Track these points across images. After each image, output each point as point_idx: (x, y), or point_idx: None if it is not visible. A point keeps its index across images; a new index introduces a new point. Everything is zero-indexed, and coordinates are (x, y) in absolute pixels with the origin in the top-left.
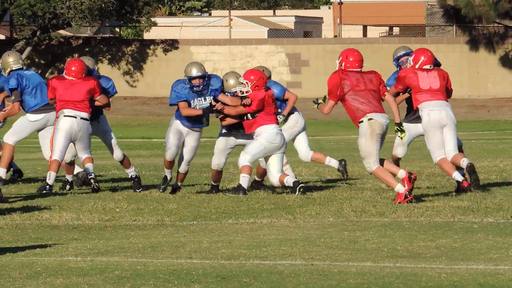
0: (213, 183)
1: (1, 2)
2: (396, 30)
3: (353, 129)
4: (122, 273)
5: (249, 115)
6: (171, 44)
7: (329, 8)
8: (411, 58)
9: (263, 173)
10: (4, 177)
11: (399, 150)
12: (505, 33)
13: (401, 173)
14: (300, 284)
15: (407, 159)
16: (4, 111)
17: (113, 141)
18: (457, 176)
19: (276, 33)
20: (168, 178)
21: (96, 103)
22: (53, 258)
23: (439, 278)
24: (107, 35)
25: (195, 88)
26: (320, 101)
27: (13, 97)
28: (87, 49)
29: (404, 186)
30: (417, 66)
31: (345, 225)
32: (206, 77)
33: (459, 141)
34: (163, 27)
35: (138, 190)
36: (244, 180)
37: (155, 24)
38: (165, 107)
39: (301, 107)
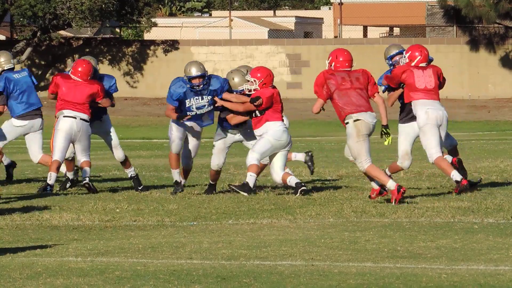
0: (210, 182)
1: (2, 3)
2: (396, 30)
3: None
4: (122, 274)
5: (257, 112)
6: (172, 45)
7: (330, 8)
8: (407, 55)
9: (260, 170)
10: None
11: (406, 163)
12: (505, 34)
13: (391, 184)
14: (300, 284)
15: None
16: None
17: (116, 142)
18: (456, 175)
19: (276, 34)
20: (178, 181)
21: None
22: (54, 259)
23: (440, 279)
24: (108, 36)
25: (195, 88)
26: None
27: None
28: (87, 49)
29: (392, 202)
30: (413, 64)
31: (346, 225)
32: (206, 77)
33: (454, 140)
34: (163, 27)
35: (139, 188)
36: (251, 178)
37: (155, 25)
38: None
39: (301, 107)
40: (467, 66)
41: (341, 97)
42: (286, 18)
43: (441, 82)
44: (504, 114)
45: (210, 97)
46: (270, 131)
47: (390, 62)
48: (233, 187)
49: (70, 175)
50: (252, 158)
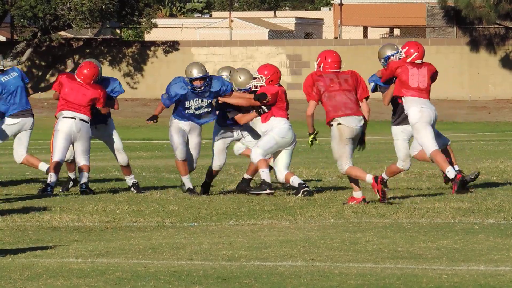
0: (206, 180)
1: (2, 4)
2: (396, 31)
3: None
4: (122, 275)
5: (264, 108)
6: (172, 46)
7: (330, 9)
8: (403, 50)
9: (255, 170)
10: None
11: (407, 165)
12: (505, 34)
13: (368, 178)
14: (301, 285)
15: None
16: None
17: (119, 146)
18: (451, 172)
19: (276, 35)
20: (191, 187)
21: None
22: (54, 260)
23: (440, 279)
24: (108, 37)
25: (196, 89)
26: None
27: None
28: (87, 50)
29: (375, 192)
30: (409, 60)
31: (346, 226)
32: (207, 78)
33: (447, 139)
34: (163, 28)
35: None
36: (264, 174)
37: (155, 26)
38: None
39: (301, 108)
40: (467, 66)
41: (329, 99)
42: (286, 19)
43: (434, 78)
44: (504, 115)
45: (210, 100)
46: (276, 129)
47: (385, 62)
48: (253, 193)
49: (71, 175)
50: (257, 155)
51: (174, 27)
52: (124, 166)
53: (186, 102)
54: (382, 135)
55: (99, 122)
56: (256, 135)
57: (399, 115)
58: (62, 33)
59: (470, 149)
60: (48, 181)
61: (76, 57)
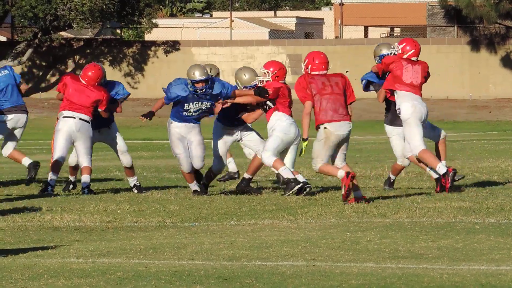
0: (205, 182)
1: (2, 4)
2: (397, 31)
3: (355, 130)
4: (124, 275)
5: (269, 103)
6: (172, 46)
7: (330, 9)
8: (400, 46)
9: (255, 170)
10: None
11: (407, 161)
12: (506, 34)
13: (340, 173)
14: (302, 285)
15: None
16: None
17: (123, 148)
18: (442, 168)
19: (277, 34)
20: (198, 189)
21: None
22: (55, 260)
23: (441, 279)
24: (108, 37)
25: (198, 92)
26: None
27: None
28: (88, 50)
29: (342, 187)
30: (404, 56)
31: (347, 226)
32: (209, 80)
33: (441, 130)
34: (164, 28)
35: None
36: (285, 172)
37: (156, 26)
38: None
39: (302, 108)
40: (468, 66)
41: (320, 102)
42: (286, 18)
43: (426, 78)
44: (505, 114)
45: (210, 103)
46: (278, 127)
47: (381, 61)
48: (286, 194)
49: (72, 179)
50: (268, 157)
51: (174, 27)
52: (128, 168)
53: (186, 105)
54: (382, 135)
55: (102, 126)
56: (255, 135)
57: (392, 114)
58: (63, 33)
59: (471, 148)
60: (49, 181)
61: (77, 57)
